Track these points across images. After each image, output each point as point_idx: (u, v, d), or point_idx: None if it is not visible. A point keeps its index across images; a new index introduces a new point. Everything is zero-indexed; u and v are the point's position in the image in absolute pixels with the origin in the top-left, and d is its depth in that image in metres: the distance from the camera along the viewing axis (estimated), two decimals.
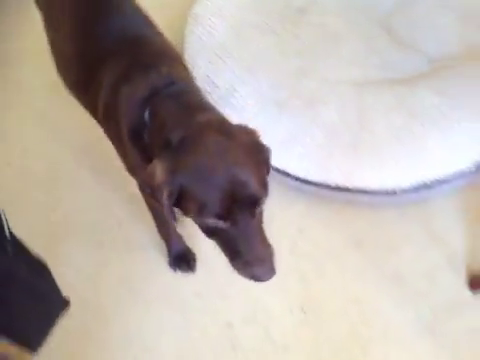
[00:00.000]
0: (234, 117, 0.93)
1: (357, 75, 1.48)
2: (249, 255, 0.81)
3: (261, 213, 0.84)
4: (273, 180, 1.37)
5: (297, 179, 1.37)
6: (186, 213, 0.84)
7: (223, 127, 0.84)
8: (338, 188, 1.34)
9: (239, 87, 1.44)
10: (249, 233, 0.81)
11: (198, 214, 0.81)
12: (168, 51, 1.05)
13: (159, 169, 0.81)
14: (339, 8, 1.64)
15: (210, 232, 0.85)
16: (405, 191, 1.32)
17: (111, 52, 1.02)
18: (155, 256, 1.39)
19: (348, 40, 1.57)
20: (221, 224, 0.81)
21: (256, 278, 0.83)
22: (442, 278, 1.33)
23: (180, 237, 1.35)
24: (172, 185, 0.80)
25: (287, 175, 1.38)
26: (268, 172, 0.87)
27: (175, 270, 1.37)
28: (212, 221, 0.80)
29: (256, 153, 0.84)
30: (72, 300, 0.89)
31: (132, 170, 1.08)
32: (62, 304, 0.81)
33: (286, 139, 1.37)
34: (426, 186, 1.32)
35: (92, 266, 1.38)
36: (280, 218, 1.41)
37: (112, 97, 0.98)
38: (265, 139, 0.87)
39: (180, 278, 1.36)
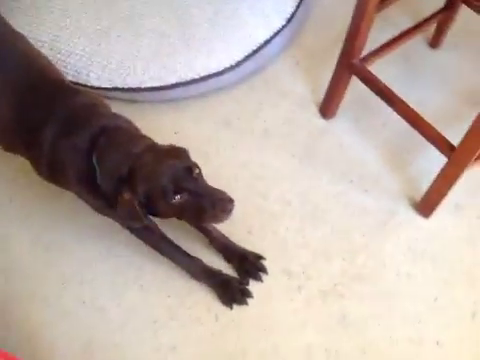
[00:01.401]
0: None
1: None
2: (211, 198, 1.07)
3: (201, 176, 1.12)
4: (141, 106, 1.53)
5: (153, 89, 1.52)
6: (158, 209, 1.10)
7: (155, 148, 1.14)
8: (187, 82, 1.52)
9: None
10: (201, 189, 1.08)
11: (164, 200, 1.06)
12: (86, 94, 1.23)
13: (125, 196, 1.07)
14: None
15: (181, 211, 1.10)
16: (240, 62, 1.55)
17: (46, 114, 1.16)
18: None
19: None
20: (183, 197, 1.06)
21: (226, 209, 1.07)
22: (299, 119, 1.58)
23: (213, 271, 1.32)
24: (138, 197, 1.07)
25: (142, 90, 1.52)
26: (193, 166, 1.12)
27: (231, 307, 1.29)
28: (175, 199, 1.06)
29: (180, 153, 1.15)
30: None
31: (99, 210, 1.25)
32: None
33: (124, 59, 1.51)
34: (255, 51, 1.55)
35: None
36: (155, 128, 1.55)
37: (55, 153, 1.15)
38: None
39: None
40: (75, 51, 1.54)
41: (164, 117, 1.60)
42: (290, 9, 1.60)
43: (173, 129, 1.58)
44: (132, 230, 1.29)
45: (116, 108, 1.28)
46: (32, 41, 1.31)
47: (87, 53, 1.53)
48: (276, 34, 1.57)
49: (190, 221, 1.28)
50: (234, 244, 1.35)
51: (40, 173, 1.24)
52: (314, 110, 1.59)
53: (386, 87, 1.32)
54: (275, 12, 1.58)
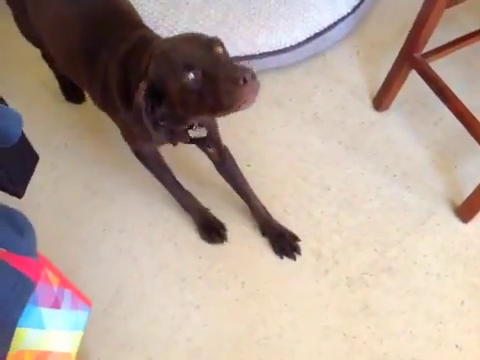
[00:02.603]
0: None
1: None
2: (228, 72, 0.88)
3: (225, 55, 0.96)
4: None
5: None
6: (171, 96, 0.95)
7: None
8: (246, 57, 1.55)
9: None
10: (219, 65, 0.90)
11: (176, 80, 0.91)
12: (151, 31, 1.18)
13: (141, 85, 0.94)
14: None
15: (198, 98, 0.92)
16: (301, 44, 1.56)
17: (107, 41, 1.12)
18: None
19: None
20: (197, 75, 0.90)
21: (246, 81, 0.86)
22: (351, 107, 1.58)
23: (201, 207, 1.40)
24: (150, 78, 0.94)
25: None
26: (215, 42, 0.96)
27: (210, 242, 1.39)
28: (188, 79, 0.90)
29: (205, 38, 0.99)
30: None
31: (130, 136, 1.20)
32: (35, 157, 0.95)
33: (188, 26, 1.55)
34: (317, 35, 1.56)
35: None
36: None
37: (106, 75, 1.10)
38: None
39: None
40: (143, 14, 1.60)
41: None
42: None
43: None
44: (141, 157, 1.29)
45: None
46: None
47: (155, 17, 1.59)
48: (341, 20, 1.58)
49: (210, 117, 1.10)
50: (273, 220, 1.38)
51: (94, 99, 1.22)
52: (368, 101, 1.59)
53: (444, 84, 1.31)
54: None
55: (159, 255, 1.38)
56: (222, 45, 0.96)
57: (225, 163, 1.34)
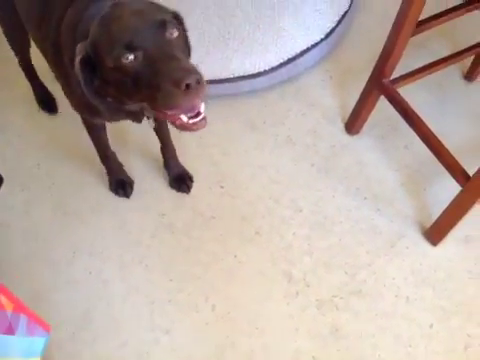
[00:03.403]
0: None
1: None
2: (172, 66, 0.78)
3: (180, 40, 0.85)
4: None
5: None
6: (105, 72, 0.85)
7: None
8: (222, 80, 1.57)
9: None
10: (165, 52, 0.80)
11: (111, 57, 0.81)
12: None
13: (78, 47, 0.85)
14: None
15: (133, 82, 0.82)
16: (274, 68, 1.59)
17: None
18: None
19: None
20: (137, 57, 0.80)
21: (188, 85, 0.76)
22: (324, 131, 1.61)
23: (120, 165, 1.48)
24: (84, 49, 0.84)
25: None
26: (168, 23, 0.85)
27: (115, 193, 1.50)
28: (127, 59, 0.80)
29: (162, 7, 0.89)
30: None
31: (78, 105, 1.11)
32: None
33: None
34: (290, 60, 1.60)
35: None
36: None
37: (56, 31, 1.00)
38: None
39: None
40: None
41: None
42: (330, 24, 1.64)
43: None
44: (88, 126, 1.27)
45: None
46: None
47: None
48: (314, 46, 1.61)
49: (149, 106, 0.90)
50: (178, 163, 1.50)
51: (46, 56, 1.12)
52: (340, 125, 1.62)
53: (411, 109, 1.34)
54: (316, 25, 1.62)
55: (129, 278, 1.37)
56: (178, 28, 0.85)
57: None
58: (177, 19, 0.91)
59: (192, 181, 1.51)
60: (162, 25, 0.82)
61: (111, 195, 1.48)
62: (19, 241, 1.44)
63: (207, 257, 1.39)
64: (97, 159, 1.43)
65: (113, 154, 1.44)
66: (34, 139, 1.62)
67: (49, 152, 1.59)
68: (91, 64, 0.86)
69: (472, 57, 1.57)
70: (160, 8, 0.89)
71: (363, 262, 1.37)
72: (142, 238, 1.42)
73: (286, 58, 1.59)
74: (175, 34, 0.83)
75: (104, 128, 1.33)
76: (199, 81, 0.77)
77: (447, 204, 1.29)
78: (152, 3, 0.89)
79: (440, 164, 1.29)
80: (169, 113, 0.85)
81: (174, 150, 1.48)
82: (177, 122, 0.87)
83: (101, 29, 0.85)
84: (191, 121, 0.86)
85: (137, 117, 1.07)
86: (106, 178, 1.50)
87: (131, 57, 0.80)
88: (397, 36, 1.26)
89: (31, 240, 1.44)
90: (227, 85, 1.59)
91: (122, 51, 0.80)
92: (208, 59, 1.56)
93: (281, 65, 1.59)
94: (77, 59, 0.85)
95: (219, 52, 1.56)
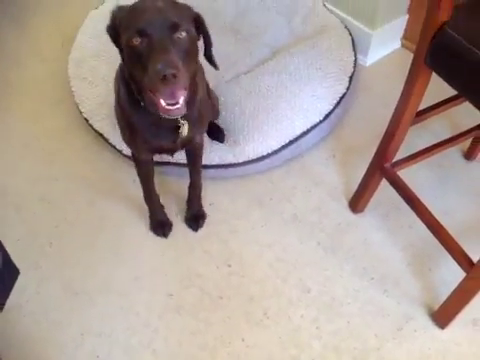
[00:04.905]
0: None
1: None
2: (156, 63, 0.95)
3: (188, 42, 1.03)
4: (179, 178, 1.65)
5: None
6: (119, 44, 1.08)
7: None
8: (226, 165, 1.65)
9: None
10: (159, 49, 0.97)
11: (125, 34, 1.02)
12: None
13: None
14: None
15: (136, 62, 1.02)
16: (276, 151, 1.66)
17: None
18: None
19: None
20: (142, 43, 0.99)
21: (165, 76, 0.94)
22: (329, 209, 1.65)
23: (161, 206, 1.61)
24: (112, 21, 1.08)
25: (182, 165, 1.63)
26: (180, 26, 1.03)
27: (154, 233, 1.61)
28: (135, 41, 0.99)
29: (185, 9, 1.10)
30: None
31: (129, 141, 1.34)
32: (16, 273, 0.98)
33: None
34: (291, 142, 1.67)
35: None
36: None
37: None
38: None
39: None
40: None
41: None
42: (328, 106, 1.72)
43: (208, 200, 1.67)
44: (136, 161, 1.44)
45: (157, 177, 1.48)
46: None
47: None
48: (313, 127, 1.68)
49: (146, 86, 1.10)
50: (199, 202, 1.62)
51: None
52: (344, 203, 1.66)
53: (413, 193, 1.38)
54: (314, 108, 1.70)
55: None
56: (190, 31, 1.04)
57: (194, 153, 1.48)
58: (198, 20, 1.11)
59: (204, 220, 1.63)
60: (174, 26, 1.01)
61: (120, 277, 1.49)
62: (29, 322, 1.44)
63: (214, 341, 1.38)
64: (106, 237, 1.46)
65: (157, 196, 1.57)
66: (47, 217, 1.66)
67: (62, 231, 1.62)
68: (115, 35, 1.09)
69: (471, 138, 1.64)
70: (183, 9, 1.08)
71: (372, 346, 1.36)
72: (150, 320, 1.42)
73: (287, 140, 1.66)
74: (184, 34, 1.02)
75: (152, 168, 1.49)
76: (175, 76, 0.95)
77: (453, 285, 1.30)
78: (177, 3, 1.08)
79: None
80: (154, 96, 1.04)
81: (200, 189, 1.60)
82: (158, 105, 1.05)
83: (127, 14, 1.05)
84: (167, 107, 1.04)
85: (171, 138, 1.25)
86: (115, 256, 1.53)
87: (138, 40, 1.00)
88: (397, 125, 1.32)
89: (41, 321, 1.44)
90: (232, 169, 1.66)
91: (133, 34, 1.00)
92: (209, 148, 1.64)
93: (282, 147, 1.66)
94: (106, 25, 1.08)
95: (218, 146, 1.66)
